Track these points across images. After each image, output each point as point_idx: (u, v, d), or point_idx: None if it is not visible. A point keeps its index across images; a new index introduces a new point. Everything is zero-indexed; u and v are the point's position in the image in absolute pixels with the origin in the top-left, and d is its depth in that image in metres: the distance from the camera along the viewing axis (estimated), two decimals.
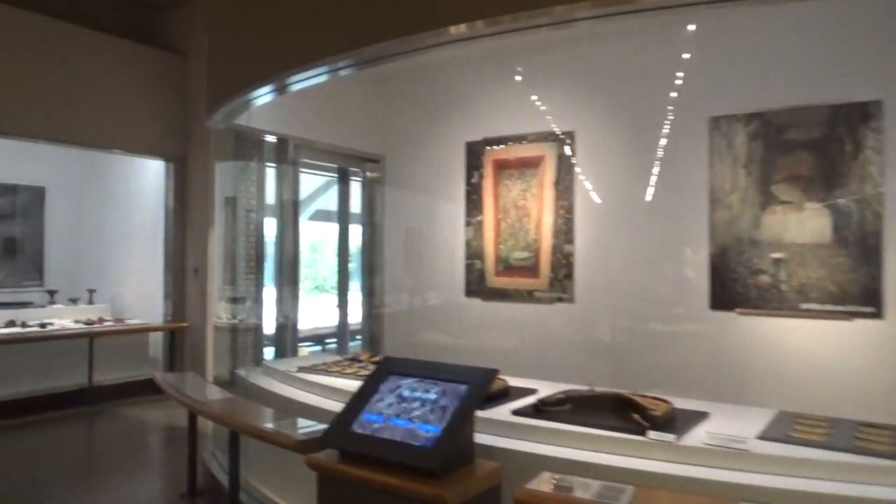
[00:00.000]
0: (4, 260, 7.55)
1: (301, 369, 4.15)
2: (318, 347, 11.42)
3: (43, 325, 6.83)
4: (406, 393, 2.58)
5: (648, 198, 4.48)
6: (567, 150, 4.87)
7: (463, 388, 2.50)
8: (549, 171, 4.99)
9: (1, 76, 6.22)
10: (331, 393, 3.62)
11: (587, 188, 4.80)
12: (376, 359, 4.38)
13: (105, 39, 7.09)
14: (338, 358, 4.64)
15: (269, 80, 4.32)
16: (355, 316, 6.97)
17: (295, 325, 5.68)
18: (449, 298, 5.59)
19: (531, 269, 5.08)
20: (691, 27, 3.76)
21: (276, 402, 3.76)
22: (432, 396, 2.51)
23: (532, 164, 5.09)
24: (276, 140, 5.50)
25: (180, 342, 7.72)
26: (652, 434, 2.61)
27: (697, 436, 2.67)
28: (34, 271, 7.77)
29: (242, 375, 4.52)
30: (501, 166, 5.28)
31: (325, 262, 14.52)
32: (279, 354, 5.55)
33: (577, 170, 4.82)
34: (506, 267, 5.23)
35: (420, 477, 2.25)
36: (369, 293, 6.13)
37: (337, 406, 3.45)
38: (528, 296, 5.08)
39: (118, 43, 7.24)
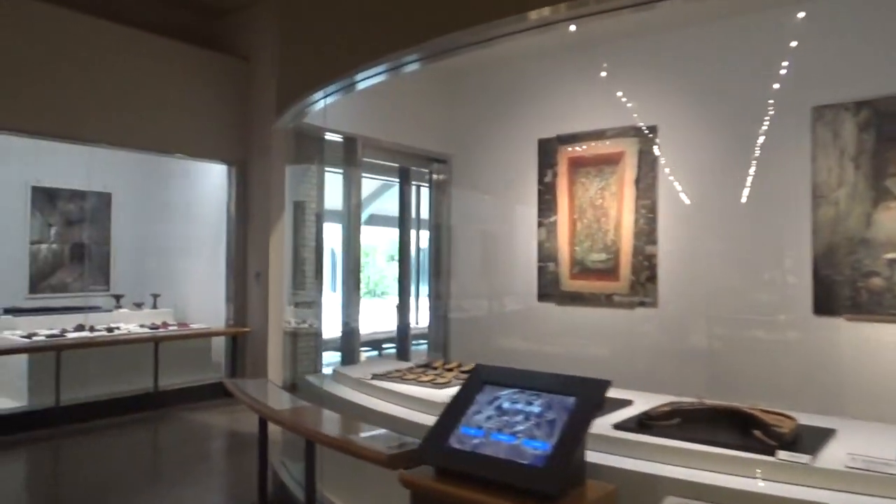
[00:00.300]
0: (73, 265, 7.65)
1: (375, 376, 3.98)
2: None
3: (110, 330, 6.87)
4: (506, 405, 2.37)
5: (742, 195, 4.17)
6: (650, 146, 4.60)
7: (570, 400, 2.27)
8: (629, 169, 4.72)
9: (68, 82, 6.28)
10: (411, 402, 3.43)
11: (672, 186, 4.52)
12: (452, 366, 4.18)
13: (169, 45, 7.12)
14: (409, 364, 4.45)
15: (338, 78, 4.20)
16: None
17: (357, 330, 5.53)
18: (520, 303, 5.36)
19: (610, 272, 4.81)
20: (801, 14, 3.45)
21: (352, 410, 3.59)
22: (536, 409, 2.29)
23: (611, 161, 4.83)
24: (342, 140, 5.35)
25: (242, 347, 7.68)
26: (782, 454, 2.33)
27: (833, 456, 2.37)
28: (101, 276, 7.85)
29: (313, 382, 4.37)
30: (577, 164, 5.03)
31: (376, 266, 14.47)
32: (345, 360, 5.40)
33: (661, 166, 4.54)
34: (582, 269, 4.98)
35: (531, 499, 2.03)
36: (436, 297, 5.94)
37: (419, 416, 3.27)
38: (606, 300, 4.82)
39: (181, 48, 7.26)
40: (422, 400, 3.39)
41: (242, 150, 7.82)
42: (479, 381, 2.55)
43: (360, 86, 4.30)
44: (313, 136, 6.19)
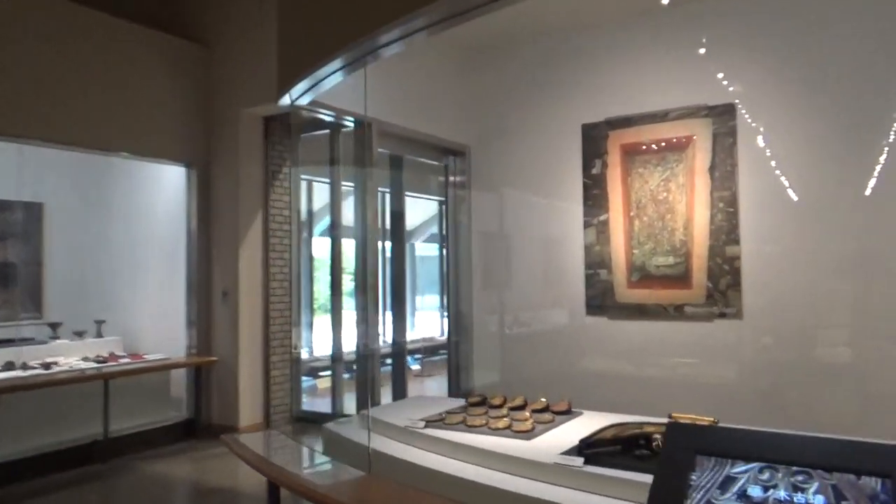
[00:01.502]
0: None
1: (429, 423, 3.04)
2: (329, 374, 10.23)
3: (47, 366, 5.63)
4: (755, 493, 1.50)
5: (852, 184, 3.46)
6: (727, 128, 3.85)
7: (878, 483, 1.42)
8: (700, 155, 3.97)
9: None
10: (497, 461, 2.52)
11: (757, 174, 3.78)
12: (516, 403, 3.29)
13: (114, 23, 5.97)
14: (459, 403, 3.54)
15: (344, 48, 3.30)
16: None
17: (377, 354, 4.55)
18: (564, 318, 4.51)
19: (679, 279, 4.03)
20: None
21: (416, 476, 2.65)
22: (819, 500, 1.44)
23: (676, 146, 4.07)
24: (353, 125, 4.40)
25: (207, 380, 6.55)
26: None
27: None
28: (32, 301, 6.57)
29: (338, 432, 3.38)
30: (632, 151, 4.25)
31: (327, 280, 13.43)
32: (362, 396, 4.42)
33: (752, 150, 3.80)
34: (643, 276, 4.18)
35: None
36: (455, 316, 5.03)
37: (517, 483, 2.38)
38: (675, 311, 4.04)
39: (129, 28, 6.12)
40: (511, 458, 2.50)
41: (204, 150, 6.72)
42: (683, 449, 1.68)
43: (371, 57, 3.43)
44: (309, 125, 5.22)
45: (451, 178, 4.86)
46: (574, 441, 2.65)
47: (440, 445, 2.80)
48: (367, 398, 3.92)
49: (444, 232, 14.94)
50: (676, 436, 1.74)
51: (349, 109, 4.17)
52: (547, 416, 3.05)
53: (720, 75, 3.77)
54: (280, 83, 3.91)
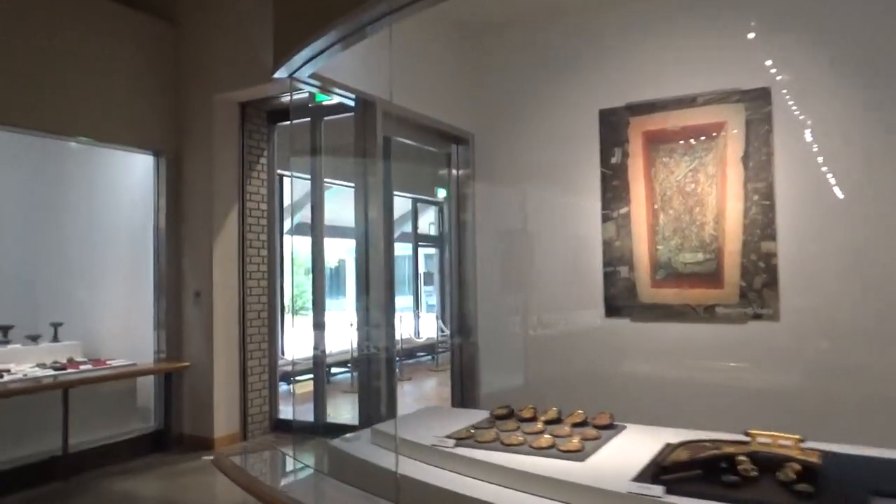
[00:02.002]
0: None
1: (459, 442, 2.65)
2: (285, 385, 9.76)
3: None
4: None
5: None
6: (762, 113, 3.57)
7: None
8: (732, 143, 3.68)
9: None
10: (549, 488, 2.15)
11: (796, 164, 3.50)
12: (550, 416, 2.93)
13: None
14: (482, 415, 3.16)
15: (349, 14, 2.92)
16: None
17: (392, 358, 4.15)
18: (580, 320, 4.18)
19: (710, 277, 3.73)
20: None
21: None
22: None
23: (706, 133, 3.77)
24: (354, 104, 4.00)
25: (178, 387, 6.02)
26: None
27: None
28: None
29: (346, 450, 2.96)
30: (656, 139, 3.94)
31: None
32: (366, 406, 4.01)
33: (778, 141, 3.51)
34: (668, 274, 3.87)
35: None
36: (459, 318, 4.65)
37: None
38: (704, 313, 3.74)
39: (87, 0, 5.58)
40: (573, 485, 2.13)
41: (174, 137, 6.19)
42: (850, 488, 1.34)
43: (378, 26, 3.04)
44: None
45: (455, 172, 4.46)
46: (631, 462, 2.31)
47: (478, 468, 2.41)
48: (375, 409, 3.47)
49: (417, 230, 14.42)
50: (838, 470, 1.39)
51: (352, 86, 3.74)
52: (591, 431, 2.70)
53: (767, 61, 3.48)
54: (277, 52, 3.46)
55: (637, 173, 3.97)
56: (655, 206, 3.91)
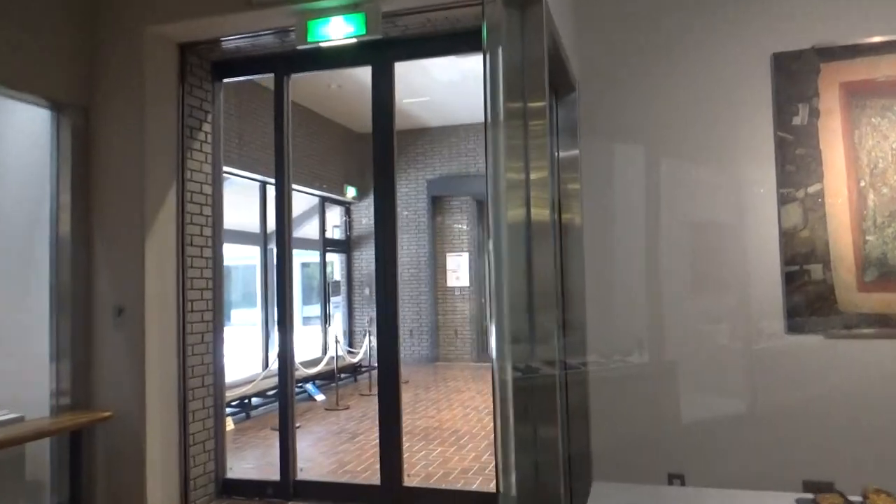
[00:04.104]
0: None
1: None
2: (241, 413, 7.95)
3: None
4: None
5: None
6: None
7: None
8: None
9: None
10: None
11: None
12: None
13: None
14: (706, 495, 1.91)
15: None
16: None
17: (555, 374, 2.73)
18: (744, 338, 3.06)
19: None
20: None
21: None
22: None
23: None
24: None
25: (91, 449, 4.16)
26: None
27: None
28: None
29: None
30: (861, 93, 2.93)
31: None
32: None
33: None
34: (883, 274, 2.87)
35: None
36: (566, 334, 3.32)
37: None
38: None
39: None
40: None
41: (83, 84, 4.34)
42: None
43: None
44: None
45: (548, 135, 3.14)
46: None
47: None
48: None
49: (325, 233, 12.72)
50: None
51: None
52: None
53: None
54: None
55: (833, 138, 2.94)
56: (862, 183, 2.90)
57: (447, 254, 12.67)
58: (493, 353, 2.07)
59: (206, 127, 4.81)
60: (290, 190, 5.05)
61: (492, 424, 7.54)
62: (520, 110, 2.36)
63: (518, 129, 2.32)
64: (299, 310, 14.66)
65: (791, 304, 2.97)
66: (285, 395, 4.89)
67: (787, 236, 2.99)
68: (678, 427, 3.11)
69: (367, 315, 13.14)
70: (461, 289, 12.56)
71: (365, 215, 13.32)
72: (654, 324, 3.17)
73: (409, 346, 12.34)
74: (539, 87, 2.32)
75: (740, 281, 3.07)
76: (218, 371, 4.82)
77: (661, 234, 3.19)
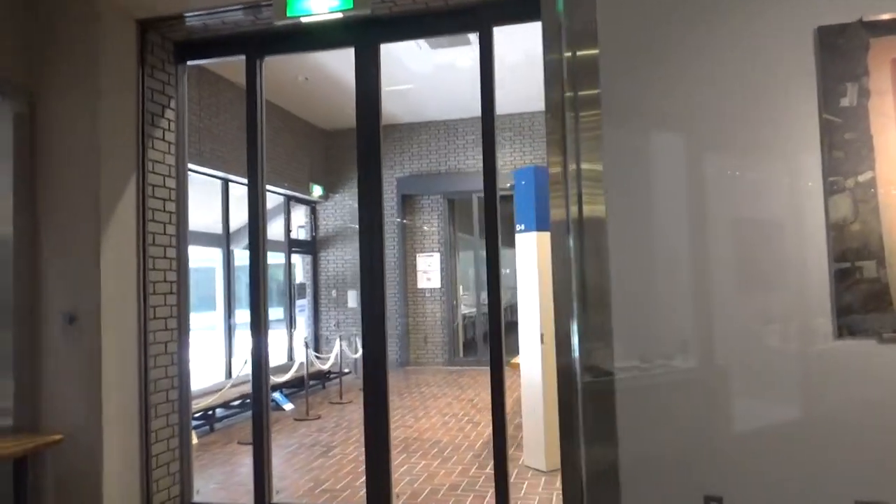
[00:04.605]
0: None
1: None
2: (205, 426, 7.42)
3: None
4: None
5: None
6: None
7: None
8: None
9: None
10: None
11: None
12: None
13: None
14: None
15: None
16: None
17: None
18: (787, 343, 2.76)
19: None
20: None
21: None
22: None
23: None
24: None
25: (38, 478, 3.65)
26: None
27: None
28: None
29: None
30: None
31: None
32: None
33: None
34: None
35: None
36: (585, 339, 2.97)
37: None
38: None
39: None
40: None
41: (29, 65, 3.82)
42: None
43: None
44: None
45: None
46: None
47: None
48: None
49: (290, 233, 12.19)
50: None
51: None
52: None
53: None
54: None
55: (885, 121, 2.65)
56: None
57: (418, 254, 12.27)
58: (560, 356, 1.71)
59: (169, 114, 4.33)
60: (263, 186, 4.60)
61: (474, 434, 7.18)
62: (571, 99, 2.02)
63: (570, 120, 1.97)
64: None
65: (841, 306, 2.68)
66: (260, 405, 4.43)
67: (835, 230, 2.70)
68: (715, 442, 2.79)
69: (335, 319, 12.65)
70: (432, 290, 12.18)
71: (332, 215, 12.82)
72: (692, 326, 2.85)
73: None
74: (592, 71, 1.97)
75: (781, 279, 2.77)
76: (183, 385, 4.35)
77: (693, 227, 2.87)
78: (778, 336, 2.76)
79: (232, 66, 8.57)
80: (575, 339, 1.95)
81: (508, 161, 11.59)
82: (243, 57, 4.45)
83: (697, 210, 2.83)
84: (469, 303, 13.22)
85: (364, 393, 4.30)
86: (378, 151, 4.29)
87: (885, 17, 2.63)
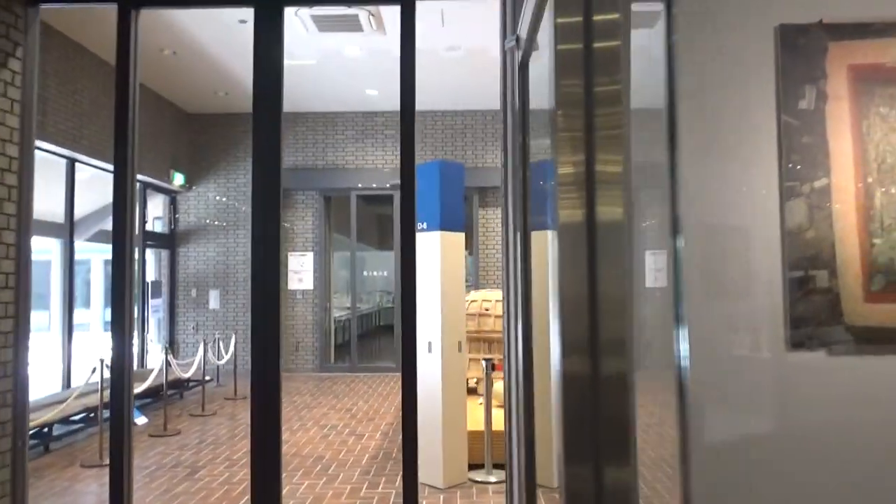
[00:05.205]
0: None
1: None
2: (39, 444, 6.36)
3: None
4: None
5: None
6: None
7: None
8: None
9: None
10: None
11: None
12: None
13: None
14: None
15: None
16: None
17: None
18: (740, 354, 2.64)
19: None
20: None
21: None
22: None
23: None
24: None
25: None
26: None
27: None
28: None
29: None
30: (871, 78, 2.62)
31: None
32: None
33: None
34: (890, 283, 2.57)
35: None
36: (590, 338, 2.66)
37: None
38: None
39: None
40: None
41: None
42: None
43: None
44: None
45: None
46: None
47: None
48: None
49: (145, 225, 11.01)
50: None
51: None
52: None
53: None
54: None
55: (841, 127, 2.59)
56: (870, 179, 2.58)
57: (289, 253, 11.53)
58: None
59: (15, 65, 3.51)
60: (134, 170, 3.90)
61: (359, 447, 6.70)
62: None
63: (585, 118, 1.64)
64: (100, 314, 12.74)
65: (794, 316, 2.58)
66: (120, 419, 3.72)
67: (791, 237, 2.59)
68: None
69: (193, 321, 11.58)
70: (304, 292, 11.49)
71: (193, 207, 11.75)
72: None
73: (243, 356, 11.04)
74: (613, 61, 1.65)
75: (732, 289, 2.63)
76: (19, 402, 3.54)
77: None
78: (736, 346, 2.62)
79: (92, 30, 7.50)
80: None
81: (390, 160, 11.23)
82: (115, 5, 3.73)
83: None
84: (341, 305, 12.67)
85: (252, 405, 3.74)
86: (278, 134, 3.78)
87: (844, 20, 2.56)
